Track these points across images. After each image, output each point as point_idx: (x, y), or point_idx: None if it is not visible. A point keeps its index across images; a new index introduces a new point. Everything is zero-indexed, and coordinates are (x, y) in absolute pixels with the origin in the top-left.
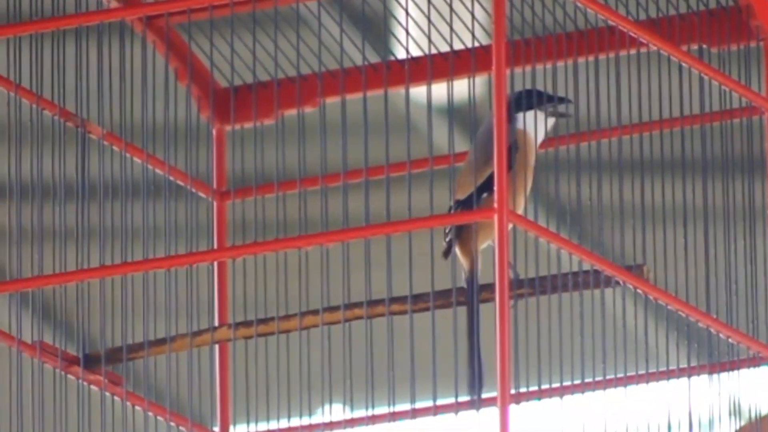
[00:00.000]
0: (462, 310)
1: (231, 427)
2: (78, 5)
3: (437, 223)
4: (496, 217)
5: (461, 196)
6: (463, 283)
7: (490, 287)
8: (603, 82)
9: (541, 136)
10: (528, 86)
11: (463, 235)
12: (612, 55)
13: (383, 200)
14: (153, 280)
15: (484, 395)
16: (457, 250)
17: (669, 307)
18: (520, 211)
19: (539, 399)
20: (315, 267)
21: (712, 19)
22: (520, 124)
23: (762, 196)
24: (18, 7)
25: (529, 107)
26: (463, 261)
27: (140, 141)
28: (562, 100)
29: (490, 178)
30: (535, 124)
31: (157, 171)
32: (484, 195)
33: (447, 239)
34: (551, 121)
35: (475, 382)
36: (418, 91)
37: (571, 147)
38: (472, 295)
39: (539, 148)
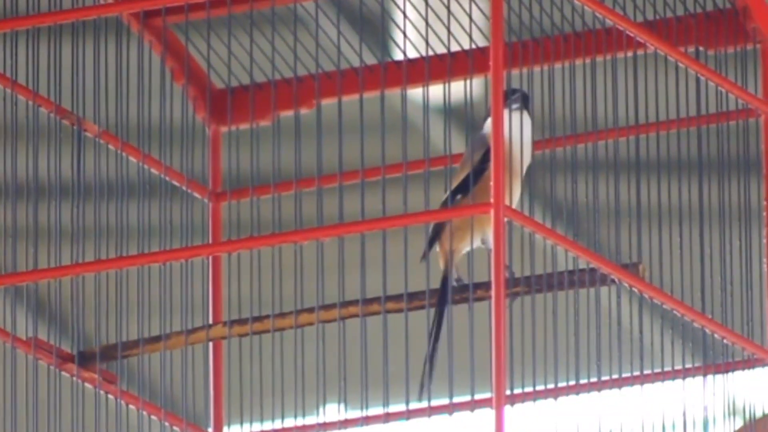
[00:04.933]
0: (457, 309)
1: (225, 428)
2: (75, 0)
3: (432, 218)
4: (492, 212)
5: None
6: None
7: (485, 285)
8: (600, 84)
9: (525, 132)
10: (524, 88)
11: (439, 236)
12: (608, 57)
13: (379, 201)
14: (148, 278)
15: (478, 396)
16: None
17: (664, 306)
18: None
19: (533, 400)
20: (310, 265)
21: (708, 21)
22: (487, 130)
23: (757, 197)
24: (15, 3)
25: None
26: (440, 262)
27: (136, 140)
28: (515, 91)
29: (465, 181)
30: (510, 125)
31: (153, 171)
32: (458, 197)
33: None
34: (516, 113)
35: (426, 387)
36: (415, 93)
37: (568, 148)
38: (443, 296)
39: (536, 149)
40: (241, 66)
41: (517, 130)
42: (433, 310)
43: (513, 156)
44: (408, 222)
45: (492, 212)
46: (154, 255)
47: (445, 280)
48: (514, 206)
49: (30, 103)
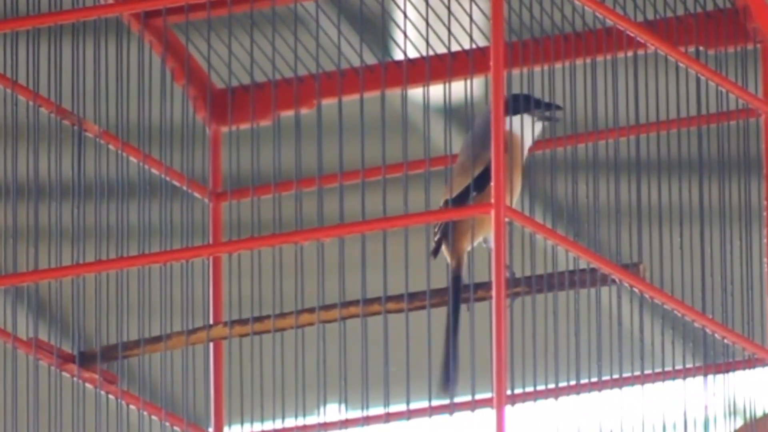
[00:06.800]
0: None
1: (225, 428)
2: (75, 1)
3: (433, 218)
4: (493, 213)
5: (449, 196)
6: (448, 282)
7: (486, 285)
8: (600, 84)
9: (528, 140)
10: (525, 88)
11: (450, 234)
12: (609, 56)
13: (380, 201)
14: (148, 278)
15: (478, 396)
16: (444, 249)
17: (665, 306)
18: None
19: (534, 400)
20: (311, 265)
21: (709, 21)
22: (508, 126)
23: (758, 196)
24: (15, 4)
25: (518, 111)
26: (449, 260)
27: (136, 140)
28: (549, 106)
29: (478, 178)
30: (523, 128)
31: (153, 171)
32: (473, 194)
33: (436, 238)
34: (539, 125)
35: (448, 385)
36: (415, 93)
37: (568, 148)
38: (455, 294)
39: (529, 152)
40: (241, 66)
41: (518, 124)
42: (433, 311)
43: (515, 149)
44: (409, 222)
45: (492, 213)
46: (155, 255)
47: (457, 278)
48: (516, 199)
49: (30, 103)
